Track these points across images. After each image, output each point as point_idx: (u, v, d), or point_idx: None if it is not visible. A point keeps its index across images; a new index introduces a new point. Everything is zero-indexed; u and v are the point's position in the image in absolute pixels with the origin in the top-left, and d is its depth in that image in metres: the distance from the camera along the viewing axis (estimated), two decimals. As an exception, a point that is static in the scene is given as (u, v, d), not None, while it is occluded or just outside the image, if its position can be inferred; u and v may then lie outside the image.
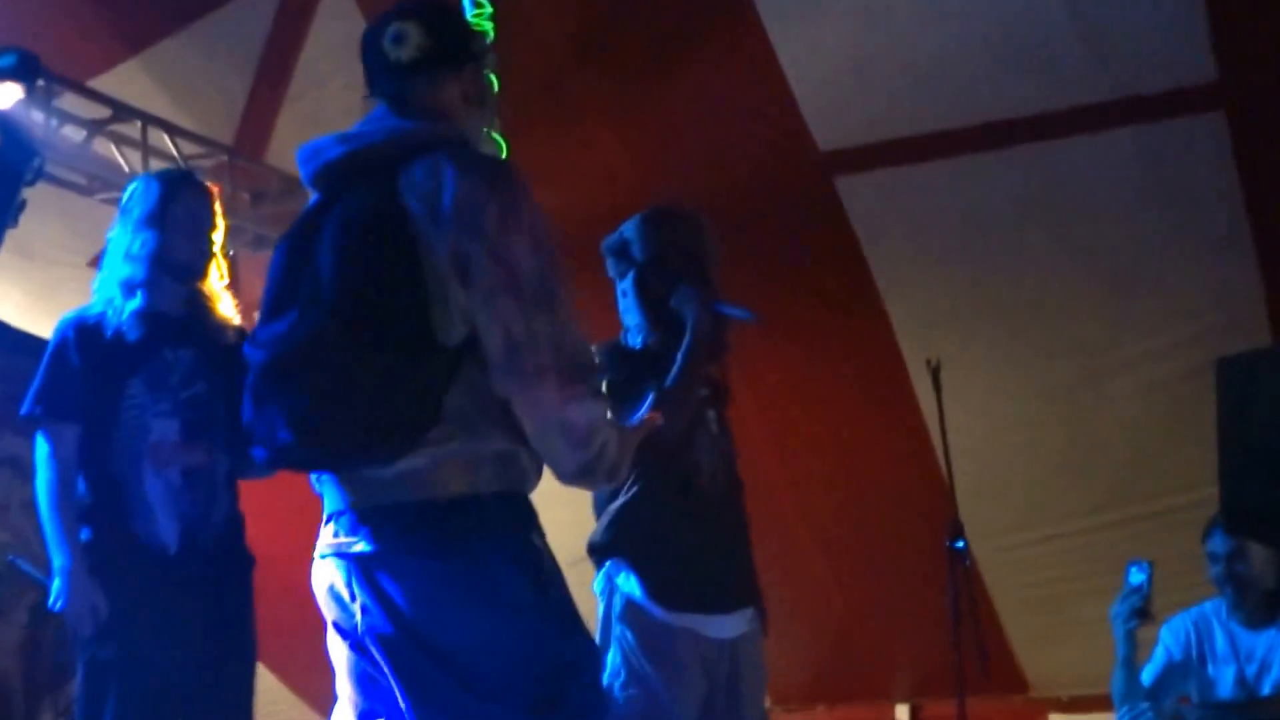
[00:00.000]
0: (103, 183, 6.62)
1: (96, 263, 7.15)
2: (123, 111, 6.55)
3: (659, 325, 4.28)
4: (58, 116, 6.42)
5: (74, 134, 6.52)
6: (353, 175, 2.85)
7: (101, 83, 6.56)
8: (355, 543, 2.75)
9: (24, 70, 5.85)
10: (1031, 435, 6.88)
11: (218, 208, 4.54)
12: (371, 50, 3.03)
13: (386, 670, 2.73)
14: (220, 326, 4.44)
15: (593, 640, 2.87)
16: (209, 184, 4.63)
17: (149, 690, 4.14)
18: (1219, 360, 6.48)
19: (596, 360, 2.85)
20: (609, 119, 6.46)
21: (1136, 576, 4.71)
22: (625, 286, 4.39)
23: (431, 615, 2.70)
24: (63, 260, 6.88)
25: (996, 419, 6.78)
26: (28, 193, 5.94)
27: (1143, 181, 6.15)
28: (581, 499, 7.05)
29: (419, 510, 2.71)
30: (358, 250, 2.77)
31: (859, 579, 7.44)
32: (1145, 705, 5.01)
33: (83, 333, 4.35)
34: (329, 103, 6.62)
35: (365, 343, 2.68)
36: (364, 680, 2.83)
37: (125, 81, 6.59)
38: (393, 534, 2.73)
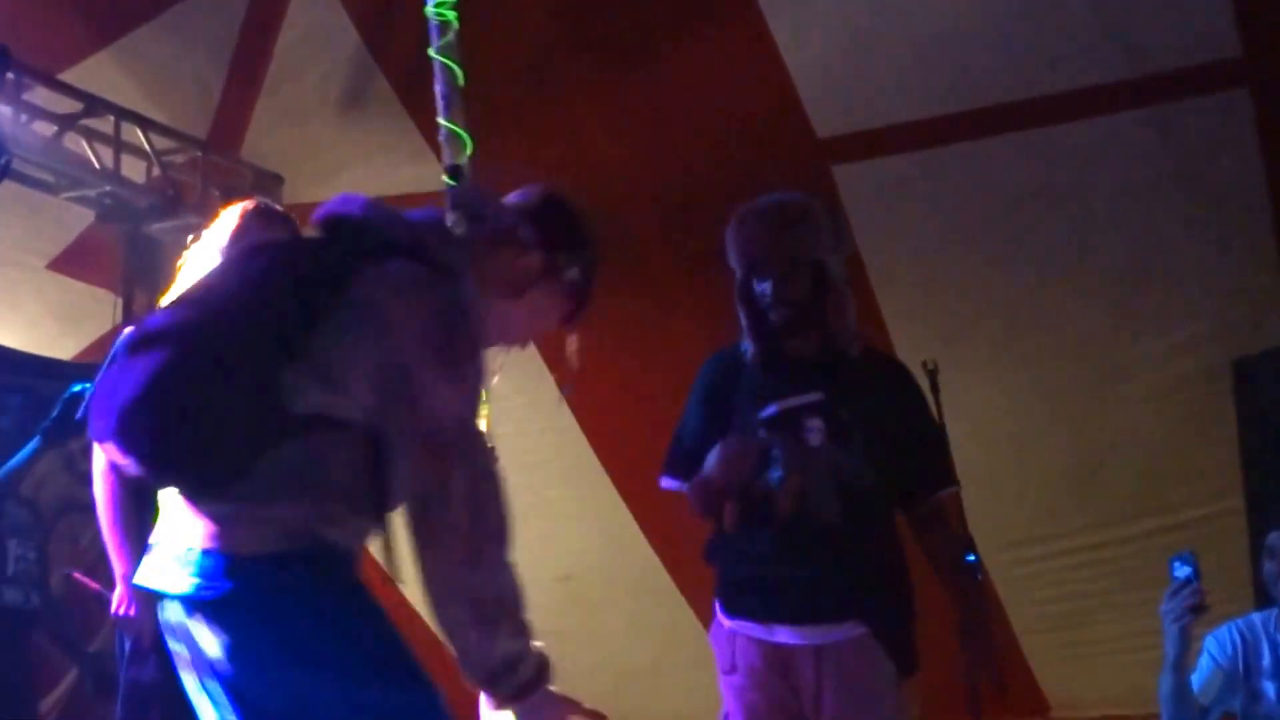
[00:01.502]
0: (71, 180, 6.50)
1: (58, 266, 7.15)
2: (95, 105, 6.39)
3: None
4: (27, 111, 6.27)
5: (44, 129, 6.37)
6: (344, 243, 2.73)
7: (72, 75, 6.42)
8: (182, 580, 2.62)
9: None
10: (1040, 441, 6.58)
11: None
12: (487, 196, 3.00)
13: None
14: None
15: (423, 690, 2.64)
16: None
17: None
18: (1238, 360, 6.30)
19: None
20: (598, 107, 6.22)
21: (1182, 569, 4.48)
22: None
23: (236, 671, 2.58)
24: (22, 262, 6.77)
25: (1000, 424, 6.47)
26: None
27: (1158, 166, 5.85)
28: (564, 514, 6.97)
29: (215, 559, 2.58)
30: (271, 281, 2.67)
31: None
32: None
33: None
34: (305, 96, 6.43)
35: (215, 366, 2.55)
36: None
37: (96, 74, 6.44)
38: (203, 580, 2.59)
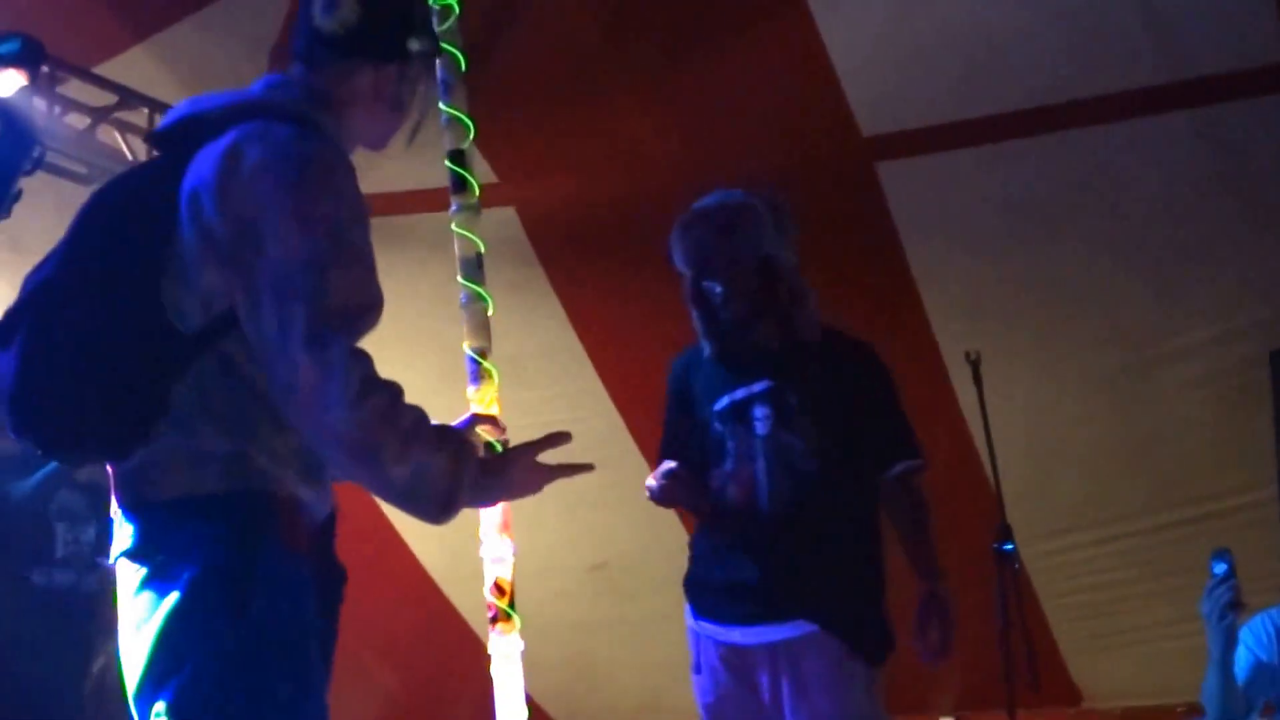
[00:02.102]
0: (103, 172, 6.36)
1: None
2: (129, 97, 6.36)
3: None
4: (61, 104, 6.24)
5: (78, 121, 6.35)
6: (181, 140, 2.67)
7: (107, 69, 6.39)
8: (123, 538, 2.62)
9: (27, 57, 5.76)
10: (1079, 432, 6.61)
11: None
12: (303, 8, 2.81)
13: None
14: None
15: (306, 685, 2.57)
16: None
17: None
18: (1275, 351, 6.33)
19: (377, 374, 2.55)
20: (642, 103, 6.23)
21: (1219, 566, 4.49)
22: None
23: (138, 623, 2.56)
24: (54, 253, 6.73)
25: (1041, 414, 6.52)
26: (24, 182, 5.84)
27: (1199, 165, 5.88)
28: (599, 502, 6.96)
29: (147, 510, 2.57)
30: (99, 214, 2.66)
31: (897, 585, 7.16)
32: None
33: None
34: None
35: (81, 316, 2.51)
36: None
37: (132, 67, 6.40)
38: (131, 536, 2.59)
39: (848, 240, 6.31)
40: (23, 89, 5.75)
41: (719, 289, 4.17)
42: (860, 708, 4.10)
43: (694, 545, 4.36)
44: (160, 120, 2.82)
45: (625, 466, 6.88)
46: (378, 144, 2.91)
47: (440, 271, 6.00)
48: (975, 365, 5.62)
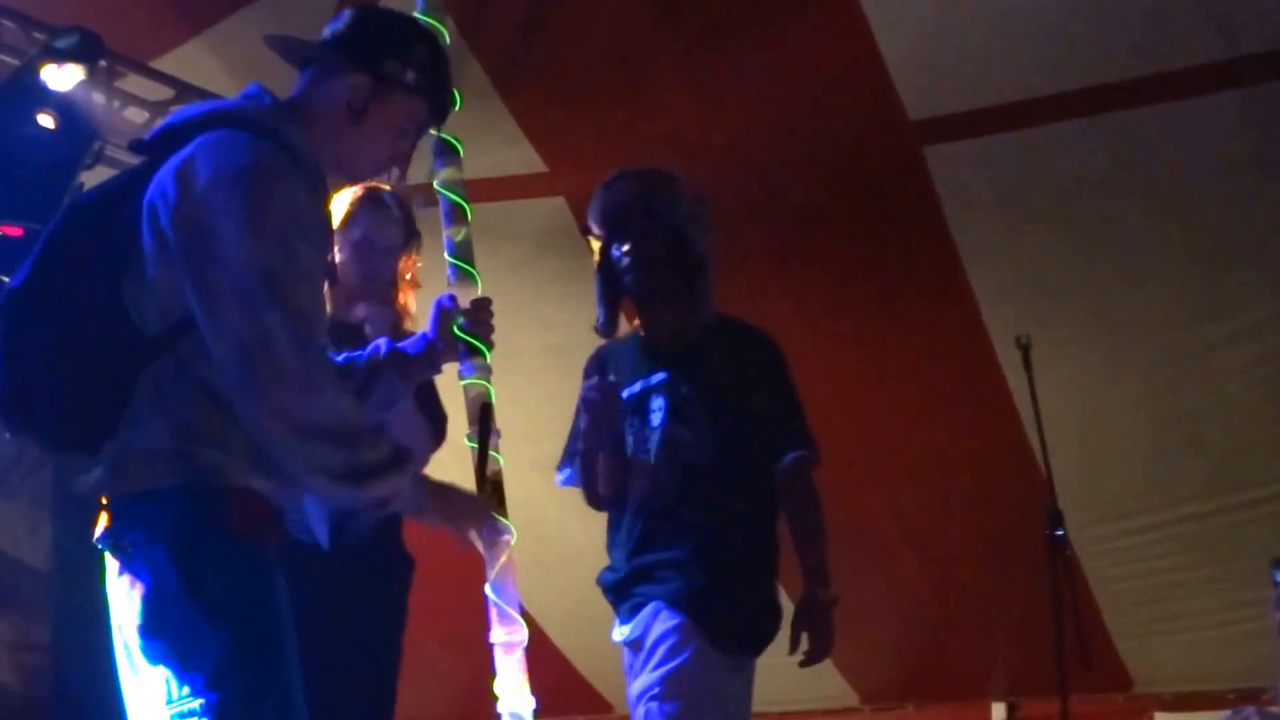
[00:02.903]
0: (161, 165, 6.46)
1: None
2: (187, 91, 6.41)
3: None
4: (119, 98, 6.31)
5: (136, 115, 6.40)
6: (158, 149, 2.77)
7: (164, 63, 6.44)
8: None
9: (86, 51, 5.83)
10: (1131, 417, 6.59)
11: None
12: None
13: None
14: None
15: (268, 670, 2.64)
16: None
17: None
18: None
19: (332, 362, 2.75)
20: (689, 90, 6.22)
21: None
22: None
23: (119, 613, 2.69)
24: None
25: (1091, 399, 6.49)
26: (84, 176, 5.92)
27: (1247, 146, 5.83)
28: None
29: (114, 504, 2.69)
30: (74, 218, 2.75)
31: (949, 572, 7.20)
32: None
33: None
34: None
35: (51, 318, 2.63)
36: None
37: (188, 61, 6.45)
38: (105, 527, 2.70)
39: (895, 226, 6.33)
40: (81, 83, 5.82)
41: (626, 250, 4.16)
42: (713, 701, 3.99)
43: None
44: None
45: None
46: (346, 168, 2.96)
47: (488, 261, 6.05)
48: (1025, 350, 5.62)
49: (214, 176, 2.61)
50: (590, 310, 6.70)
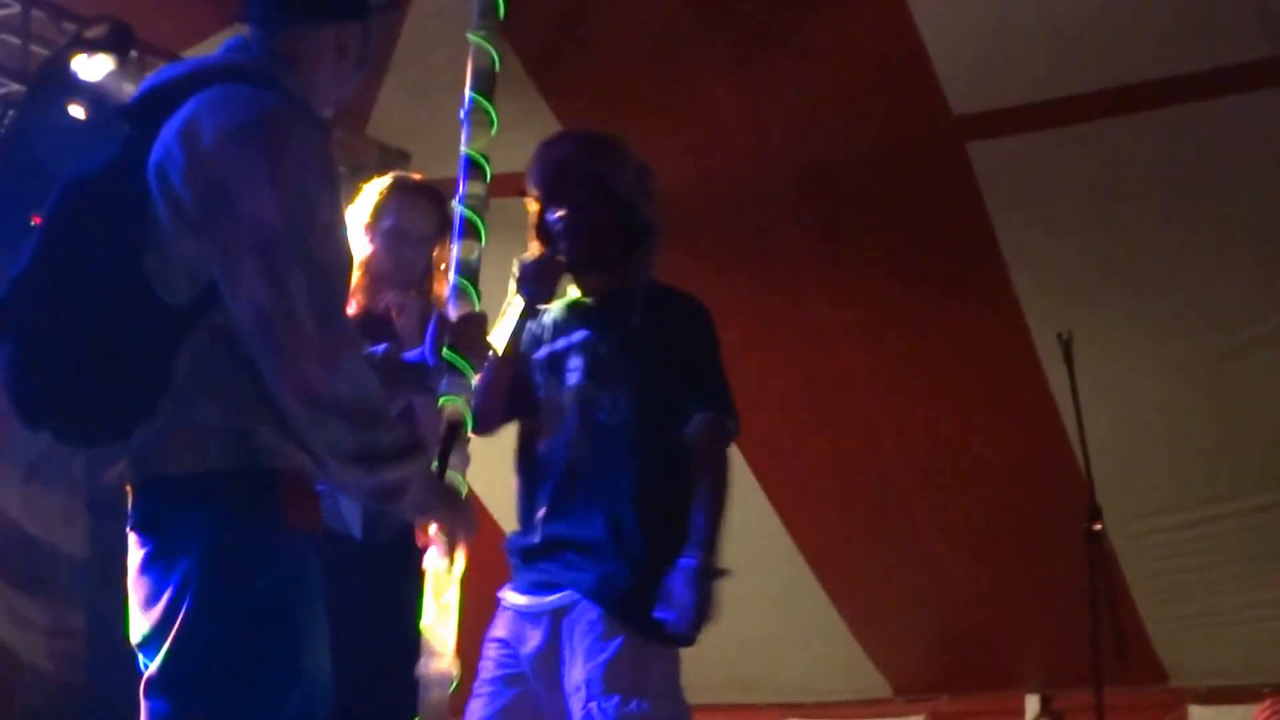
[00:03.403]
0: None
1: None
2: (218, 82, 6.37)
3: None
4: (151, 88, 6.28)
5: (165, 106, 6.37)
6: (148, 114, 2.63)
7: (195, 53, 6.38)
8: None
9: (117, 41, 5.80)
10: (1171, 413, 6.56)
11: None
12: None
13: None
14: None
15: (297, 666, 2.57)
16: None
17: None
18: None
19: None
20: (730, 84, 6.18)
21: None
22: None
23: (142, 598, 2.58)
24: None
25: (1132, 396, 6.47)
26: None
27: (1294, 142, 5.79)
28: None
29: (151, 487, 2.59)
30: (74, 197, 2.62)
31: (985, 563, 7.19)
32: None
33: None
34: (432, 72, 6.37)
35: (69, 302, 2.50)
36: None
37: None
38: (136, 511, 2.61)
39: (938, 222, 6.31)
40: (112, 73, 5.79)
41: (561, 215, 3.95)
42: (625, 680, 3.73)
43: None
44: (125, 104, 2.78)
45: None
46: (337, 104, 2.88)
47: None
48: (1067, 346, 5.61)
49: (223, 132, 2.50)
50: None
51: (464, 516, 2.89)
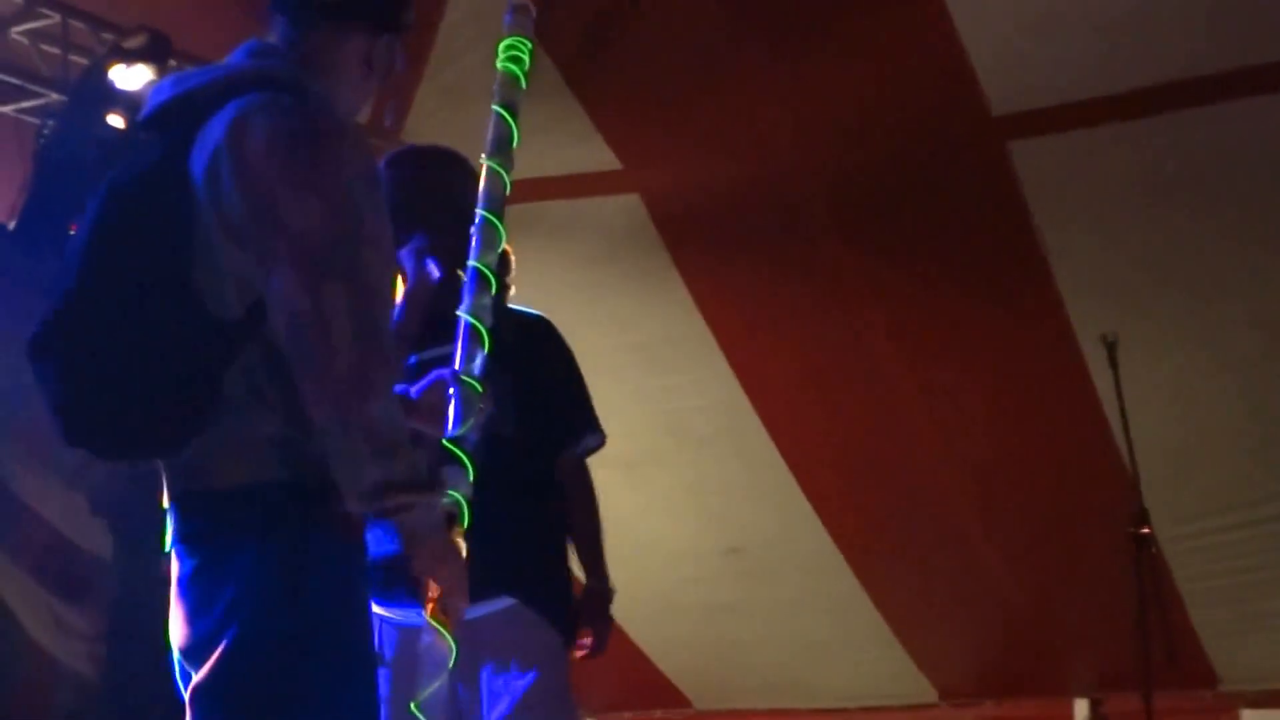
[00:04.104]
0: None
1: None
2: (255, 90, 6.37)
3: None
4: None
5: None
6: (178, 121, 2.57)
7: (234, 63, 6.41)
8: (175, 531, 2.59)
9: (154, 51, 5.80)
10: (1218, 415, 6.47)
11: None
12: None
13: None
14: None
15: (352, 677, 2.52)
16: None
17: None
18: None
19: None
20: (767, 86, 6.13)
21: None
22: None
23: (190, 609, 2.53)
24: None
25: (1178, 397, 6.39)
26: None
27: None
28: (733, 487, 6.95)
29: (200, 499, 2.53)
30: (115, 210, 2.54)
31: (1032, 568, 7.12)
32: None
33: None
34: (467, 77, 6.36)
35: (118, 318, 2.45)
36: None
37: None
38: (184, 524, 2.56)
39: (978, 222, 6.25)
40: (150, 82, 5.79)
41: (424, 240, 3.85)
42: (553, 685, 3.78)
43: None
44: (143, 109, 2.69)
45: (754, 453, 6.87)
46: (352, 114, 2.83)
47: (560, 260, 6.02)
48: (1111, 348, 5.57)
49: (269, 141, 2.45)
50: (668, 307, 6.72)
51: (458, 574, 2.66)
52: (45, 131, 5.91)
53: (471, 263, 3.45)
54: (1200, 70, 5.61)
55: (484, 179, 3.46)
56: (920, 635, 7.51)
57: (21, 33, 5.64)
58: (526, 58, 3.80)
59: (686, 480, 6.99)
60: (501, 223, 3.43)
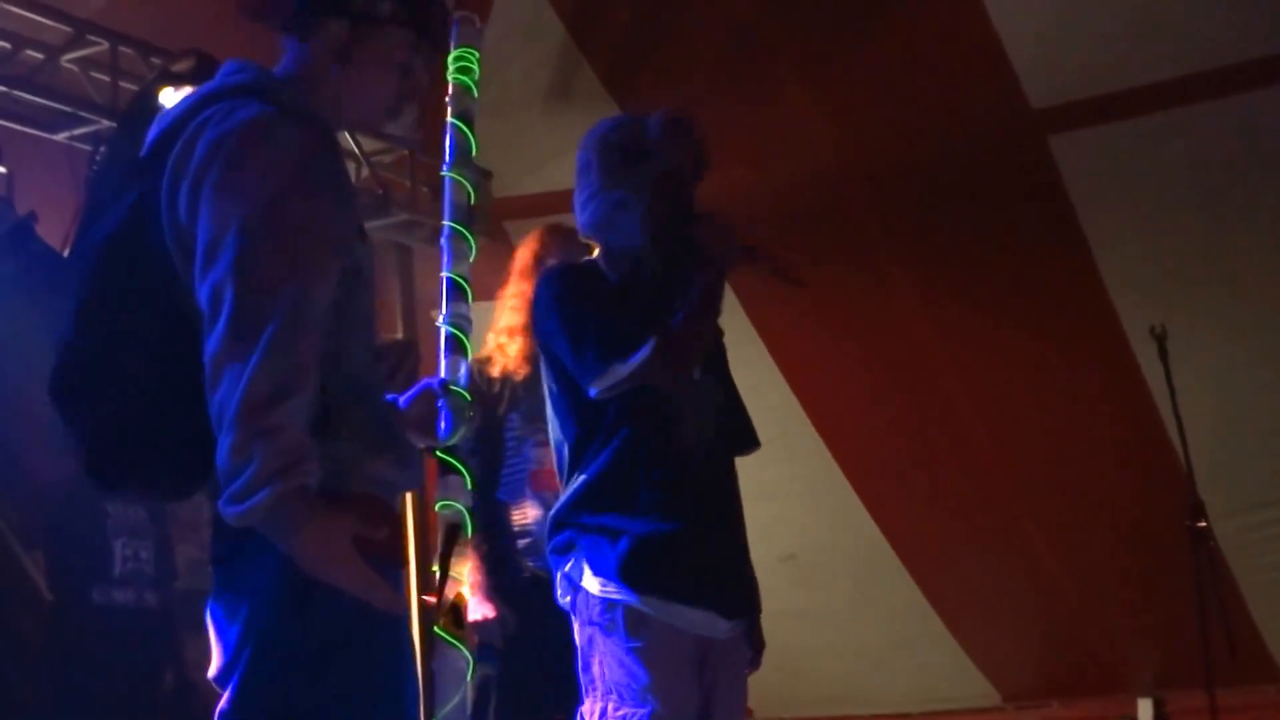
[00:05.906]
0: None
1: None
2: (299, 114, 6.43)
3: (663, 254, 3.71)
4: (235, 119, 6.35)
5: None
6: (163, 150, 2.54)
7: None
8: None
9: (202, 74, 5.86)
10: (1269, 404, 6.41)
11: None
12: None
13: None
14: None
15: (376, 691, 2.49)
16: None
17: (521, 706, 4.63)
18: None
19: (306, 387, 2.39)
20: (805, 81, 6.15)
21: None
22: (629, 199, 3.69)
23: (217, 630, 2.57)
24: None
25: (1228, 387, 6.34)
26: None
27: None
28: (787, 493, 6.92)
29: (222, 521, 2.42)
30: (103, 258, 2.52)
31: (1089, 567, 7.07)
32: None
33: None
34: (511, 89, 6.40)
35: (119, 368, 2.46)
36: None
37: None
38: (213, 546, 2.59)
39: (1022, 217, 6.23)
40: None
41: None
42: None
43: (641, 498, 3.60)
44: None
45: (807, 459, 6.86)
46: (355, 116, 2.78)
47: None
48: (1161, 340, 5.54)
49: (204, 147, 2.44)
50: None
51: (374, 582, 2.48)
52: (97, 159, 5.99)
53: (445, 273, 3.48)
54: (1238, 56, 5.58)
55: (447, 190, 3.46)
56: (980, 637, 7.47)
57: (71, 60, 5.70)
58: (476, 67, 3.84)
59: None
60: (471, 233, 3.44)
